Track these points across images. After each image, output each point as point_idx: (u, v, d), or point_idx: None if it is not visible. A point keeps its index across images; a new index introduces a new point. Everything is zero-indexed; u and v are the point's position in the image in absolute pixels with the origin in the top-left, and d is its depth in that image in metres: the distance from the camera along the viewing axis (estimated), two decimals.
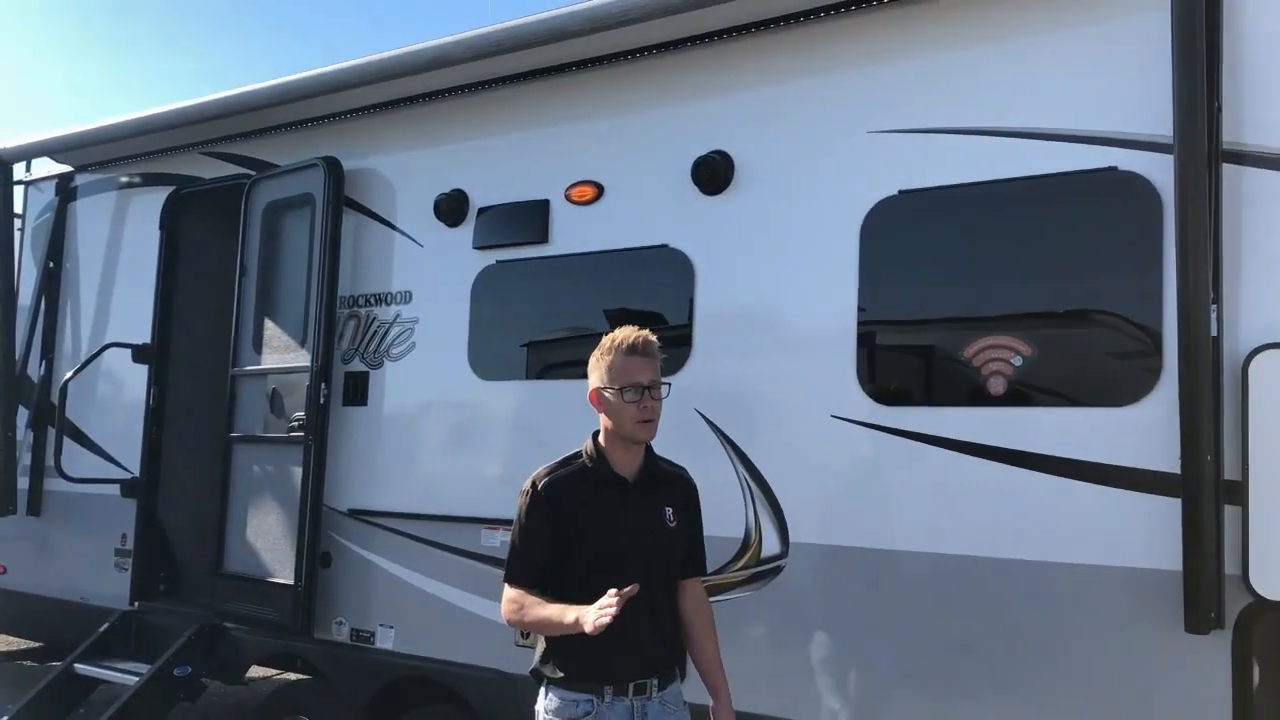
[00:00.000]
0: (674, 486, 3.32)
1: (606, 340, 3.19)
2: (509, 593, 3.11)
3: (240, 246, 5.71)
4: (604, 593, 2.98)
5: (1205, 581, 3.18)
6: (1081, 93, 3.57)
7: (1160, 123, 3.35)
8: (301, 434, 5.20)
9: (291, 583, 5.13)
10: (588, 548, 3.12)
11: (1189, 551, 3.21)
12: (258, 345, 5.57)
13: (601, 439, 3.22)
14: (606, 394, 3.14)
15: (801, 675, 3.91)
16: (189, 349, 6.29)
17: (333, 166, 5.30)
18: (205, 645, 5.56)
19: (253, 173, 5.82)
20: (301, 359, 5.29)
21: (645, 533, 3.18)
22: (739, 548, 4.07)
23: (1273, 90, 3.31)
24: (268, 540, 5.32)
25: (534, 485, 3.16)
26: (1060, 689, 3.46)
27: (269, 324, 5.54)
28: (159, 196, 6.33)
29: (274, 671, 5.96)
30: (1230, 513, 3.22)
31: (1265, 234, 3.28)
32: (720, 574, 4.08)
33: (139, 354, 6.17)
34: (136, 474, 6.15)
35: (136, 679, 5.42)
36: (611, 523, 3.15)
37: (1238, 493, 3.20)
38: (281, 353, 5.44)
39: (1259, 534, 3.16)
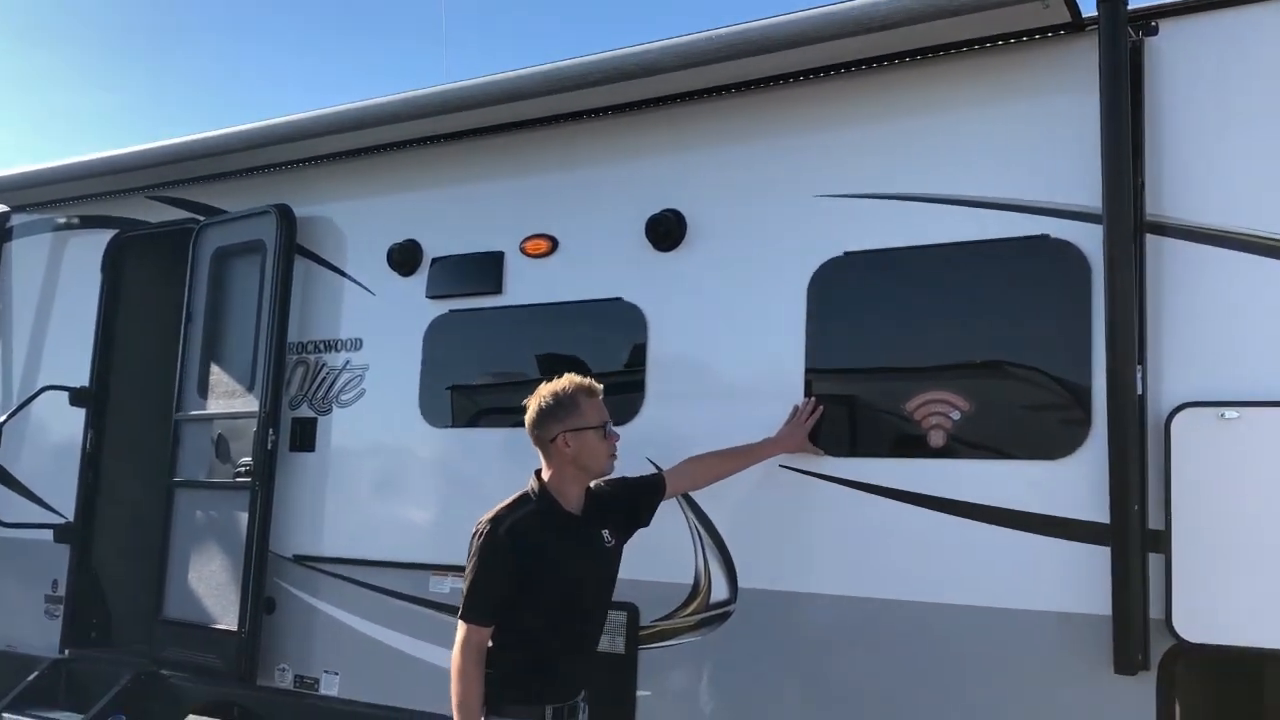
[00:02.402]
0: (604, 503, 3.55)
1: (558, 387, 3.44)
2: (464, 633, 3.27)
3: (186, 291, 5.72)
4: (564, 625, 3.35)
5: (1133, 625, 3.38)
6: (1017, 165, 3.81)
7: (1089, 195, 3.60)
8: (248, 479, 5.20)
9: (235, 629, 5.10)
10: (550, 585, 3.31)
11: (1118, 597, 3.40)
12: (203, 390, 5.57)
13: (551, 479, 3.44)
14: (586, 434, 3.39)
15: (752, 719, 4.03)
16: (128, 393, 6.24)
17: (284, 214, 5.36)
18: (140, 693, 5.47)
19: (200, 218, 5.84)
20: (249, 404, 5.30)
21: (594, 563, 3.46)
22: (689, 594, 4.19)
23: (1188, 169, 3.57)
24: (210, 586, 5.29)
25: (494, 527, 3.32)
26: None
27: (215, 369, 5.55)
28: (100, 238, 6.31)
29: None
30: (1154, 560, 3.43)
31: (1184, 299, 3.53)
32: (670, 619, 4.21)
33: (77, 397, 6.10)
34: (70, 519, 6.06)
35: None
36: (569, 559, 3.38)
37: (1161, 541, 3.42)
38: (228, 398, 5.45)
39: (1181, 580, 3.37)
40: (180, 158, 5.63)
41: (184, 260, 5.74)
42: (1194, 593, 3.36)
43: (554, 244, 4.74)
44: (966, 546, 3.72)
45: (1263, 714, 4.27)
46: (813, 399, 4.03)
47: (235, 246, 5.57)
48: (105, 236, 6.29)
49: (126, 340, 6.27)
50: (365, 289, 5.28)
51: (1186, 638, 3.35)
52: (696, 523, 4.20)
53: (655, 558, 4.18)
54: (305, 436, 5.31)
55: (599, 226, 4.63)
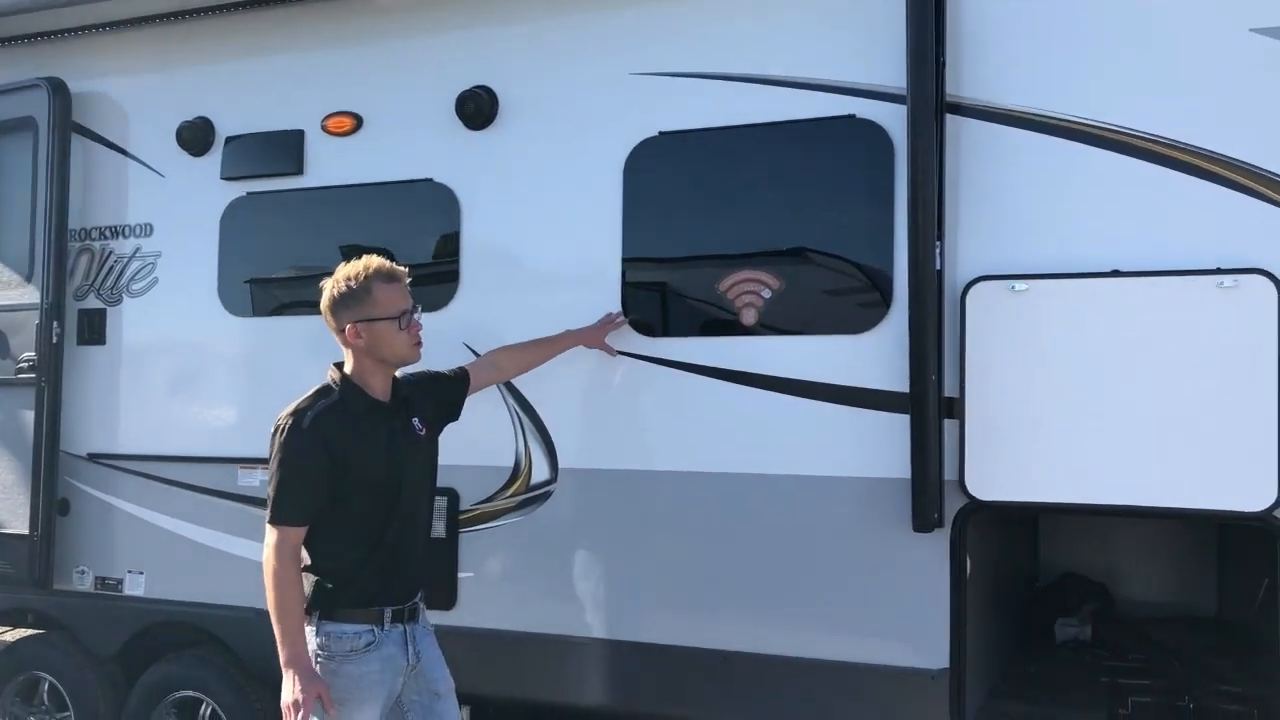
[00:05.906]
0: (411, 392, 3.39)
1: (351, 272, 3.20)
2: (276, 536, 3.08)
3: None
4: (391, 517, 3.18)
5: (929, 486, 3.58)
6: (826, 45, 3.86)
7: (894, 75, 3.69)
8: (32, 375, 4.87)
9: (26, 532, 4.83)
10: (363, 478, 3.15)
11: (916, 461, 3.60)
12: None
13: (353, 370, 3.24)
14: (379, 325, 3.18)
15: (572, 594, 4.11)
16: None
17: (58, 88, 4.92)
18: None
19: None
20: (28, 296, 4.94)
21: (409, 450, 3.29)
22: (509, 476, 4.21)
23: (983, 50, 3.69)
24: None
25: (297, 420, 3.12)
26: (807, 587, 3.83)
27: None
28: None
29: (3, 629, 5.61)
30: (949, 426, 3.63)
31: (978, 179, 3.68)
32: (491, 501, 4.23)
33: None
34: None
35: None
36: (381, 449, 3.20)
37: (956, 408, 3.63)
38: (3, 289, 5.06)
39: (973, 443, 3.59)
40: None
41: None
42: (984, 455, 3.59)
43: (359, 121, 4.54)
44: (777, 419, 3.85)
45: (1037, 556, 4.70)
46: (622, 315, 4.03)
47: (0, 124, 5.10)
48: None
49: None
50: (154, 170, 4.95)
51: (977, 496, 3.59)
52: (516, 406, 4.20)
53: (476, 442, 4.16)
54: (94, 329, 5.00)
55: (407, 103, 4.45)
